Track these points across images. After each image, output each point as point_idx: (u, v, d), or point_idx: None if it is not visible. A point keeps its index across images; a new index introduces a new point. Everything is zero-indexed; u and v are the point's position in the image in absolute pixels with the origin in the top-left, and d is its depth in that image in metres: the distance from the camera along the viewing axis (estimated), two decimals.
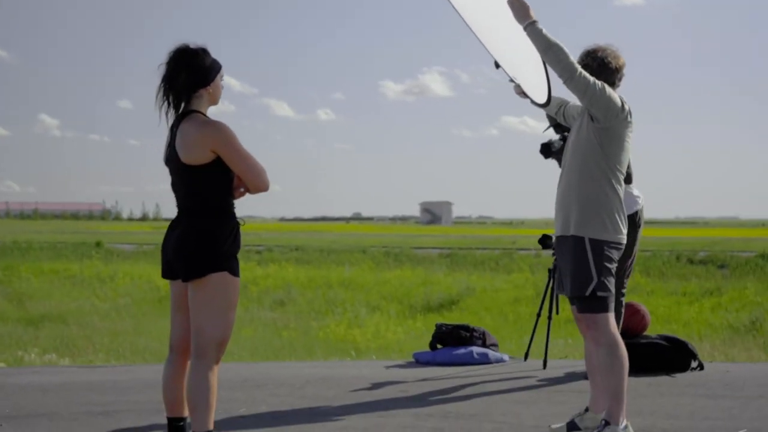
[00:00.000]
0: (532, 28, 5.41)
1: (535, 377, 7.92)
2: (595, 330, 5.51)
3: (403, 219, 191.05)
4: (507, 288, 26.01)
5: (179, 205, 5.03)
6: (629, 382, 6.92)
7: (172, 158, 4.97)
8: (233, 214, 4.99)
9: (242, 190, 5.01)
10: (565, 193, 5.60)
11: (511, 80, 5.77)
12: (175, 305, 5.13)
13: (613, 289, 5.52)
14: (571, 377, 7.88)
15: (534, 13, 5.43)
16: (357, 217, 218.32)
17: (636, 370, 7.80)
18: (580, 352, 11.01)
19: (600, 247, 5.46)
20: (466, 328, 8.97)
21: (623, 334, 7.80)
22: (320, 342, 17.59)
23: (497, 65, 5.55)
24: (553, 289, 8.55)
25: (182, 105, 4.98)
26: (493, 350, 8.90)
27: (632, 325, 8.06)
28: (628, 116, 5.52)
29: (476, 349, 8.72)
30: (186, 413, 5.13)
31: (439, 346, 8.95)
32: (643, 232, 7.73)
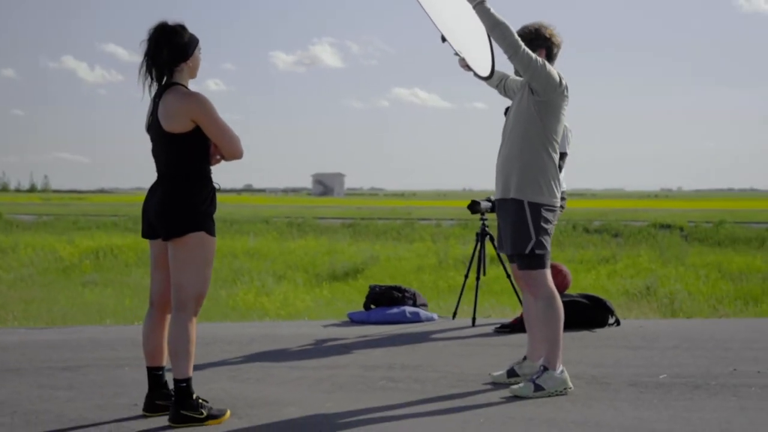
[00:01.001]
0: (480, 7, 5.91)
1: (467, 333, 8.48)
2: (533, 285, 6.07)
3: (295, 190, 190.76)
4: (410, 257, 26.60)
5: (159, 170, 5.44)
6: (563, 337, 7.55)
7: (154, 126, 5.37)
8: (210, 178, 5.43)
9: (218, 157, 5.45)
10: (506, 159, 6.12)
11: (456, 54, 6.26)
12: (155, 263, 5.55)
13: (549, 248, 6.08)
14: (500, 333, 8.46)
15: None
16: (248, 189, 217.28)
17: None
18: (502, 312, 11.64)
19: (537, 209, 6.01)
20: (398, 288, 9.49)
21: None
22: (231, 310, 17.89)
23: (443, 39, 6.03)
24: (481, 252, 9.09)
25: (164, 78, 5.38)
26: (424, 310, 9.44)
27: (555, 284, 8.65)
28: (565, 90, 6.07)
29: (408, 309, 9.26)
30: (164, 363, 5.58)
31: (372, 306, 9.45)
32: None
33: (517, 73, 6.20)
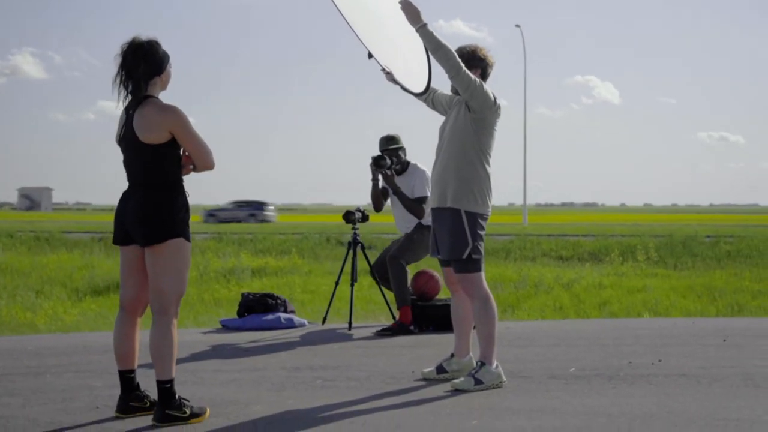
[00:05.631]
0: (423, 30, 6.38)
1: (351, 337, 8.89)
2: (470, 287, 6.56)
3: None
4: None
5: (133, 180, 5.60)
6: (446, 338, 8.12)
7: (128, 138, 5.52)
8: (183, 187, 5.63)
9: (191, 167, 5.66)
10: (443, 171, 6.60)
11: (383, 69, 6.72)
12: (128, 269, 5.71)
13: (483, 252, 6.60)
14: (382, 336, 8.91)
15: (424, 17, 6.39)
16: None
17: (437, 327, 9.02)
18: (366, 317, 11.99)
19: (474, 217, 6.52)
20: (271, 296, 9.77)
21: (421, 298, 8.99)
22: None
23: (370, 56, 6.53)
24: (353, 259, 9.53)
25: (139, 91, 5.55)
26: (294, 315, 9.75)
27: (428, 289, 9.24)
28: (499, 108, 6.62)
29: (282, 315, 9.56)
30: (135, 365, 5.71)
31: (245, 313, 9.67)
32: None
33: (454, 91, 6.68)
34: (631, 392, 6.20)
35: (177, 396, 5.52)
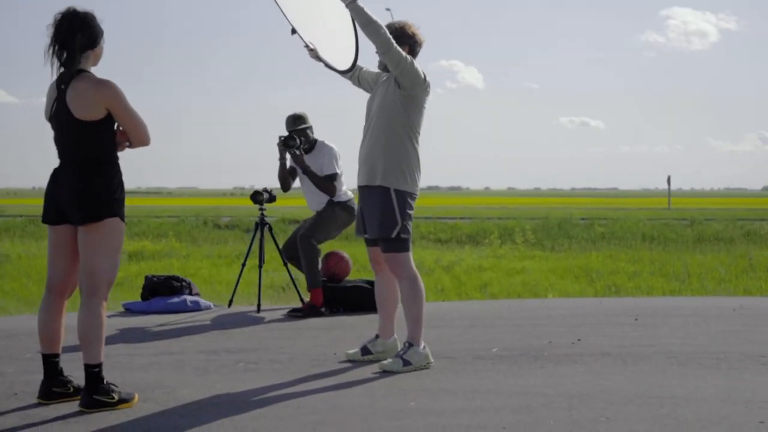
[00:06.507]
0: (353, 6, 6.26)
1: (262, 319, 8.72)
2: (398, 267, 6.47)
3: None
4: (43, 254, 25.65)
5: (66, 157, 5.35)
6: (358, 320, 8.06)
7: (61, 114, 5.27)
8: (119, 164, 5.40)
9: (126, 143, 5.44)
10: (372, 149, 6.49)
11: (306, 46, 6.60)
12: (59, 249, 5.45)
13: (411, 232, 6.52)
14: (294, 317, 8.77)
15: None
16: None
17: (346, 308, 8.93)
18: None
19: (403, 196, 6.43)
20: (176, 278, 9.52)
21: (331, 279, 8.89)
22: None
23: (293, 32, 6.42)
24: (261, 240, 9.34)
25: (73, 64, 5.29)
26: (199, 298, 9.52)
27: (338, 271, 9.13)
28: (428, 86, 6.54)
29: (188, 298, 9.32)
30: (60, 349, 5.47)
31: (149, 297, 9.40)
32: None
33: (383, 67, 6.56)
34: (561, 372, 6.21)
35: (105, 381, 5.30)
